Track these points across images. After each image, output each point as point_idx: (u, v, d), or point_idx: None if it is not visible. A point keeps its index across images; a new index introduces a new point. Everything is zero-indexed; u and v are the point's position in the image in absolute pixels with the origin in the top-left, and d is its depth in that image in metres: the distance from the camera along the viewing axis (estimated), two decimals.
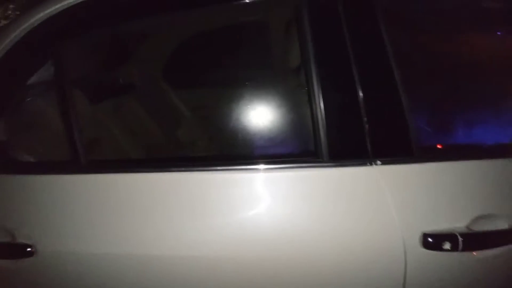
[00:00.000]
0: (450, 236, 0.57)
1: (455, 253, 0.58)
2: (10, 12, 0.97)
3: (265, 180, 0.62)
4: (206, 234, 0.60)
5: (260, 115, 0.70)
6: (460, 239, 0.56)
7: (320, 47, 0.62)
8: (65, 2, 0.64)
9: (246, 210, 0.61)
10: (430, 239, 0.57)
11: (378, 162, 0.59)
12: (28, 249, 0.63)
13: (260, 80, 0.74)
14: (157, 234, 0.61)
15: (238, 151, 0.74)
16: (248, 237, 0.60)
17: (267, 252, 0.59)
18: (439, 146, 0.66)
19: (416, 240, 0.58)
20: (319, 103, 0.60)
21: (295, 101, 0.67)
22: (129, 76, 1.03)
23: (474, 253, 0.59)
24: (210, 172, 0.63)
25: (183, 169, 0.64)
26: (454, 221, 0.59)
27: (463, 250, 0.57)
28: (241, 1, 0.69)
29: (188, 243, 0.60)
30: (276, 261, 0.60)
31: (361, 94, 0.60)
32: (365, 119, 0.59)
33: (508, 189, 0.62)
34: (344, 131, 0.61)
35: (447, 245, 0.56)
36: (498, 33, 0.80)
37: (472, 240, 0.57)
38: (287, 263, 0.60)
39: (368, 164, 0.59)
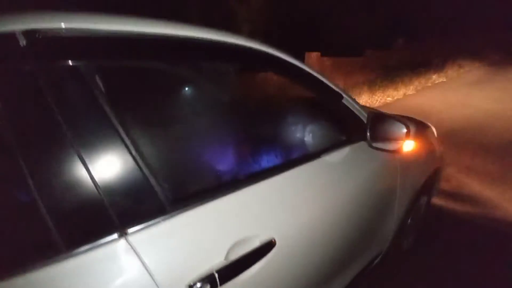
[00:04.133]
0: (209, 277, 0.62)
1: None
2: None
3: None
4: None
5: None
6: (216, 275, 0.62)
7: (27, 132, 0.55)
8: None
9: None
10: None
11: (128, 231, 0.58)
12: None
13: None
14: None
15: None
16: None
17: None
18: (189, 195, 0.71)
19: None
20: (36, 190, 0.52)
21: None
22: None
23: (239, 277, 0.67)
24: None
25: None
26: (212, 259, 0.65)
27: (224, 283, 0.64)
28: None
29: None
30: None
31: (88, 170, 0.56)
32: (100, 192, 0.57)
33: (250, 215, 0.75)
34: (78, 213, 0.56)
35: (208, 287, 0.61)
36: None
37: (229, 270, 0.65)
38: None
39: (118, 236, 0.57)
